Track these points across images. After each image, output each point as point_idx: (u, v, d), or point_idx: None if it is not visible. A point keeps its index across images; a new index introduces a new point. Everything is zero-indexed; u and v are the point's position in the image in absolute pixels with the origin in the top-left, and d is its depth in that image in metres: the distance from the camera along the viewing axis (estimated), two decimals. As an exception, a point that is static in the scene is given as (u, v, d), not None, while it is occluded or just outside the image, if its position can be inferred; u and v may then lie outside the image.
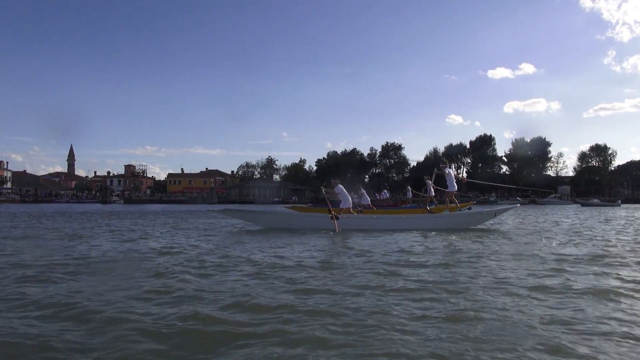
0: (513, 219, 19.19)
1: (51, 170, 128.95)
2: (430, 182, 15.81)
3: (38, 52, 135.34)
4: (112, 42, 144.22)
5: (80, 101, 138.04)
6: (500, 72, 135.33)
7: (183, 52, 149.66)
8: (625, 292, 4.28)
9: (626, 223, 16.39)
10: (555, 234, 11.35)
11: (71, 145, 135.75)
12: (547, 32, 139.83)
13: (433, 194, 16.70)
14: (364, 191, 18.92)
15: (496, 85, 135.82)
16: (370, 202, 19.10)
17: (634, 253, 7.33)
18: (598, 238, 10.14)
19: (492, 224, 14.33)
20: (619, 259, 6.52)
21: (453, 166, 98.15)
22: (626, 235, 11.02)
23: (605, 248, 8.04)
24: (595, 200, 54.51)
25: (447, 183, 13.58)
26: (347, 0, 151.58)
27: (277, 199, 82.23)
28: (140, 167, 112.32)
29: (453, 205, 14.22)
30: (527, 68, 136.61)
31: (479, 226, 13.18)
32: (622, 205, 47.76)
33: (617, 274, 5.26)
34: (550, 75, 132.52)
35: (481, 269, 5.71)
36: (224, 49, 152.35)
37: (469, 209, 14.29)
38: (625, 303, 3.91)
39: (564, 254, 7.06)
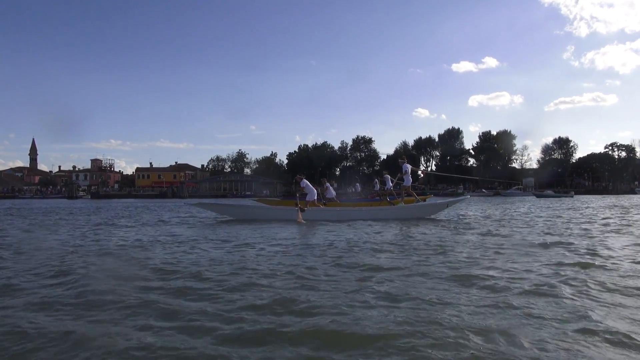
0: (459, 210, 20.49)
1: (12, 165, 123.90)
2: (389, 176, 16.81)
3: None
4: (72, 33, 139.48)
5: (41, 92, 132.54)
6: (464, 66, 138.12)
7: (146, 45, 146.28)
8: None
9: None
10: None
11: (33, 139, 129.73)
12: (508, 26, 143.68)
13: (391, 187, 17.65)
14: (328, 184, 19.57)
15: (460, 79, 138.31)
16: (334, 195, 19.61)
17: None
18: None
19: (443, 214, 15.42)
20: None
21: (422, 159, 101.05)
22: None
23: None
24: (549, 192, 57.39)
25: (403, 177, 14.66)
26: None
27: (249, 193, 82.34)
28: (107, 162, 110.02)
29: (411, 198, 15.37)
30: (490, 62, 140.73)
31: (433, 216, 14.39)
32: (575, 197, 50.43)
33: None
34: (512, 69, 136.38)
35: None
36: (187, 41, 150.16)
37: (424, 201, 15.47)
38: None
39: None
